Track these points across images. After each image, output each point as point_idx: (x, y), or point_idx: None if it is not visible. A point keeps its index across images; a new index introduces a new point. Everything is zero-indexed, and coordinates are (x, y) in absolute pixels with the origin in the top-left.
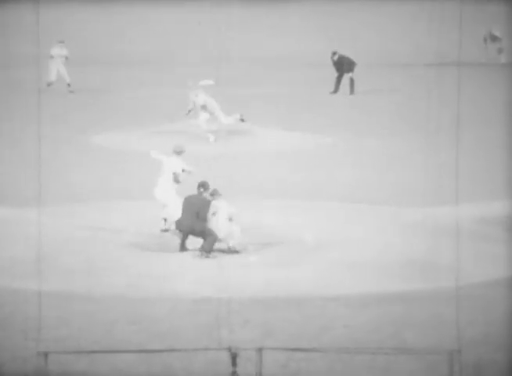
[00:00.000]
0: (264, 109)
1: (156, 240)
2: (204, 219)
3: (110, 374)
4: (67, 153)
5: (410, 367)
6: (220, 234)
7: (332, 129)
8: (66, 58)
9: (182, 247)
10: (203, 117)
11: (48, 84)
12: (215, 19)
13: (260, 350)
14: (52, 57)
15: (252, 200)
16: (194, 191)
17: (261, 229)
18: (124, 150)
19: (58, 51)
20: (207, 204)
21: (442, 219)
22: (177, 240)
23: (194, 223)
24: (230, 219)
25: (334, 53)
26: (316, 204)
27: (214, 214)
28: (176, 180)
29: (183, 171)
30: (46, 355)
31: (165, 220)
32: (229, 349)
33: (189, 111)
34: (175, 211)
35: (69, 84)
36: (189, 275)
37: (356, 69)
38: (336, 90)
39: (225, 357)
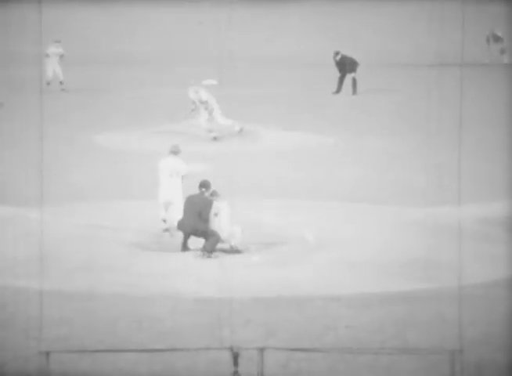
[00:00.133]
0: (264, 109)
1: (158, 240)
2: (206, 220)
3: (112, 373)
4: (68, 152)
5: (412, 367)
6: (222, 235)
7: (333, 129)
8: (61, 56)
9: (184, 247)
10: (203, 116)
11: (48, 83)
12: (215, 19)
13: (262, 350)
14: (47, 56)
15: (253, 199)
16: (196, 191)
17: (261, 228)
18: (125, 149)
19: (54, 50)
20: (208, 204)
21: (443, 219)
22: (178, 240)
23: (196, 223)
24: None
25: (337, 53)
26: (317, 203)
27: (215, 214)
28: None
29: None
30: (48, 354)
31: (164, 221)
32: (231, 349)
33: (192, 111)
34: (177, 212)
35: (61, 83)
36: (190, 275)
37: (358, 69)
38: (338, 90)
39: (227, 357)
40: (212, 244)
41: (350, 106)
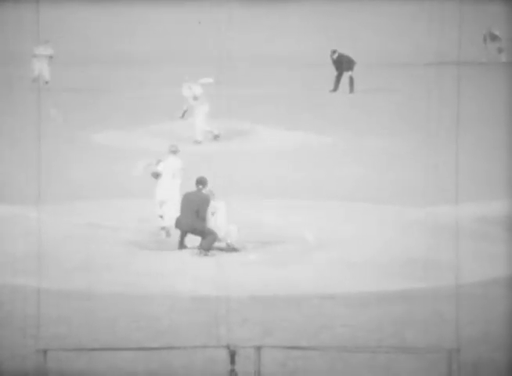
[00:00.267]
0: (264, 109)
1: (156, 238)
2: (204, 218)
3: (109, 371)
4: (67, 151)
5: (410, 366)
6: (220, 233)
7: (332, 129)
8: (51, 57)
9: (181, 245)
10: (201, 115)
11: (33, 81)
12: (215, 19)
13: (259, 348)
14: (35, 56)
15: (252, 199)
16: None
17: (261, 228)
18: (124, 148)
19: (41, 50)
20: (206, 202)
21: (442, 218)
22: (175, 239)
23: (194, 222)
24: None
25: (334, 52)
26: (316, 203)
27: (212, 213)
28: (155, 176)
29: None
30: (45, 352)
31: (161, 217)
32: (228, 347)
33: (185, 112)
34: (174, 210)
35: (46, 82)
36: (188, 273)
37: (356, 69)
38: (335, 88)
39: (224, 355)
40: (209, 242)
41: (350, 106)
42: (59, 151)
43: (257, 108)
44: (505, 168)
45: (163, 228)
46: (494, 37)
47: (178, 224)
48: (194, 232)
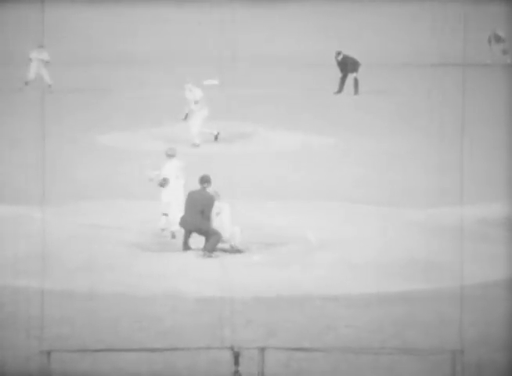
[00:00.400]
0: (264, 109)
1: (159, 239)
2: (209, 218)
3: (113, 372)
4: (71, 152)
5: (413, 367)
6: (225, 234)
7: (333, 129)
8: (47, 62)
9: (185, 246)
10: (199, 120)
11: (26, 83)
12: (216, 19)
13: (262, 350)
14: (30, 60)
15: (253, 200)
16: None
17: (262, 229)
18: (128, 149)
19: (36, 55)
20: (211, 202)
21: (444, 220)
22: (179, 240)
23: (199, 222)
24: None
25: (339, 53)
26: (318, 203)
27: (217, 214)
28: (162, 185)
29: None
30: (49, 353)
31: (166, 216)
32: (232, 348)
33: (187, 115)
34: (178, 211)
35: (50, 86)
36: (191, 274)
37: (359, 69)
38: (340, 90)
39: (228, 356)
40: (213, 243)
41: (351, 107)
42: (63, 152)
43: (258, 108)
44: (507, 170)
45: (163, 229)
46: (498, 39)
47: (183, 223)
48: (199, 231)
